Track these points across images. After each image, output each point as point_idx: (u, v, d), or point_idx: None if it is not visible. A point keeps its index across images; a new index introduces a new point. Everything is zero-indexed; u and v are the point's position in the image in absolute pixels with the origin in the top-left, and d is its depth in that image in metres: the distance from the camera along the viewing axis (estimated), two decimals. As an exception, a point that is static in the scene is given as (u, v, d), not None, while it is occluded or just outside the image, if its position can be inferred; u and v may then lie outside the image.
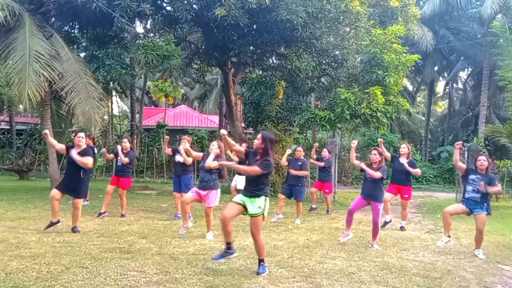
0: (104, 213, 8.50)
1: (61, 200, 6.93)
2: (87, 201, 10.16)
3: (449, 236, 6.75)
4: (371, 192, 6.58)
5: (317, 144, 10.06)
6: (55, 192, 6.73)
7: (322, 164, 10.37)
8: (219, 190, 6.79)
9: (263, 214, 4.85)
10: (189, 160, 7.94)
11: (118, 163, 8.77)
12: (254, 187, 4.86)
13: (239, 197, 4.97)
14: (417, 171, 8.38)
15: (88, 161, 6.68)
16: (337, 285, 4.63)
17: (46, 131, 6.70)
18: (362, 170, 6.90)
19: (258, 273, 4.82)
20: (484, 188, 6.01)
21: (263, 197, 4.84)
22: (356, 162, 7.08)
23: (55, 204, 6.70)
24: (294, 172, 8.85)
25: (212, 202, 6.65)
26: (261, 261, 4.92)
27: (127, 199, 8.94)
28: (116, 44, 13.53)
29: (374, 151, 6.76)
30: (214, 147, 6.56)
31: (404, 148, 8.44)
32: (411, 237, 7.67)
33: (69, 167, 6.83)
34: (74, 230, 6.80)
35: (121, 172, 8.71)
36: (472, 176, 6.32)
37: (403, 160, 8.26)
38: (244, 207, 4.87)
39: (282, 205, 9.04)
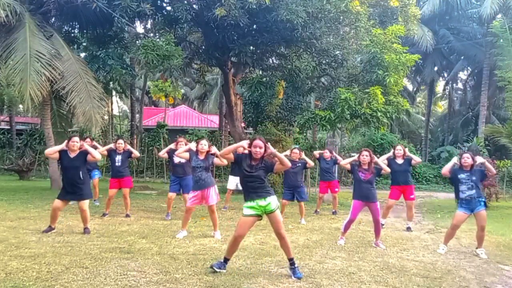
0: (107, 214, 8.56)
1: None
2: (95, 200, 10.21)
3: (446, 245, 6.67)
4: (369, 194, 6.49)
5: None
6: (59, 204, 6.60)
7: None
8: (216, 185, 6.87)
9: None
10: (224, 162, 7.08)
11: (117, 164, 8.57)
12: (265, 187, 4.84)
13: (253, 211, 4.80)
14: (418, 159, 8.87)
15: (97, 154, 6.80)
16: (337, 285, 4.63)
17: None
18: (351, 172, 6.71)
19: (299, 278, 4.68)
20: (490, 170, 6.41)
21: (274, 195, 4.88)
22: (343, 162, 7.06)
23: (57, 214, 6.70)
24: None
25: (215, 199, 6.74)
26: (292, 260, 4.80)
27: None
28: (116, 44, 13.53)
29: (365, 152, 6.62)
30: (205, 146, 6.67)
31: (400, 150, 8.41)
32: (411, 237, 7.67)
33: (67, 172, 6.70)
34: (85, 231, 6.79)
35: (121, 172, 8.62)
36: (461, 175, 6.30)
37: (400, 160, 8.29)
38: (258, 215, 4.82)
39: (283, 209, 9.01)
